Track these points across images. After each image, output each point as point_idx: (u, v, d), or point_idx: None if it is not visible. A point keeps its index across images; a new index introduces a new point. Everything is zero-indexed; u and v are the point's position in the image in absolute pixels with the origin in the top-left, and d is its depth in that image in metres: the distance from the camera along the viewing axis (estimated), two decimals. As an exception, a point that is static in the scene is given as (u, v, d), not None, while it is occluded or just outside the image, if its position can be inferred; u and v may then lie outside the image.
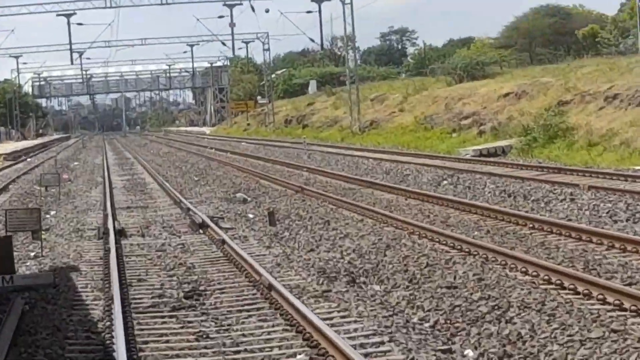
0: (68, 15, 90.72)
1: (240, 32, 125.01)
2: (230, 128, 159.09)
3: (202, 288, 20.60)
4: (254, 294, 19.60)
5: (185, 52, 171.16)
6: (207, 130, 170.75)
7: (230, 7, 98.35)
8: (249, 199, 40.16)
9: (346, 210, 32.96)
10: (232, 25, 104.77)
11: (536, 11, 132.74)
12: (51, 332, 17.14)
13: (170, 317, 18.15)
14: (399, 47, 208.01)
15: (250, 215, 34.12)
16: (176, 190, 45.49)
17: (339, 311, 17.61)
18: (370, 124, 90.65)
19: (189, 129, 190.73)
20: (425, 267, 20.93)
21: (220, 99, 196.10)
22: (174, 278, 22.13)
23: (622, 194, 31.33)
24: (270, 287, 19.12)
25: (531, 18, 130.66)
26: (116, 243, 26.93)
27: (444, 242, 24.20)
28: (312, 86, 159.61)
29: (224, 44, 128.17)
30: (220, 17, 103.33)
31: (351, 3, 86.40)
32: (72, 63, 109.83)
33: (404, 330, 15.92)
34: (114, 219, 33.72)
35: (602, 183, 34.55)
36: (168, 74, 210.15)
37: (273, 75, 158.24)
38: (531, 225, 26.08)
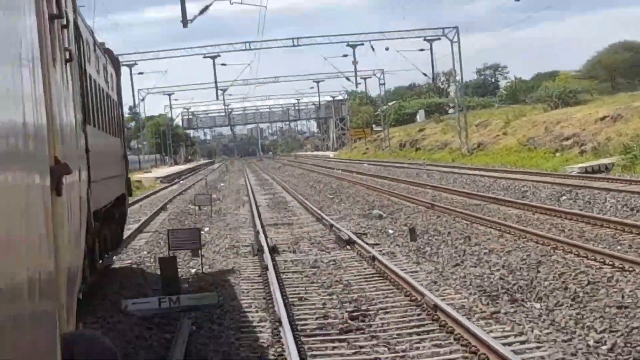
0: (214, 57, 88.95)
1: (360, 69, 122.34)
2: (351, 152, 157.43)
3: (364, 307, 17.63)
4: (419, 315, 16.50)
5: (312, 87, 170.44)
6: (330, 154, 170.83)
7: (353, 47, 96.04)
8: (384, 215, 37.24)
9: (481, 225, 29.76)
10: (354, 62, 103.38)
11: (615, 47, 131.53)
12: (222, 358, 14.48)
13: (340, 340, 15.20)
14: (492, 80, 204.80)
15: (390, 231, 31.16)
16: (316, 208, 42.78)
17: (515, 335, 14.49)
18: (477, 146, 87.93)
19: (315, 153, 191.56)
20: (587, 285, 17.68)
21: (340, 128, 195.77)
22: (334, 297, 19.21)
23: None
24: (436, 307, 16.08)
25: (611, 53, 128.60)
26: (272, 260, 24.13)
27: (593, 258, 20.79)
28: (421, 115, 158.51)
29: (348, 79, 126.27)
30: (345, 55, 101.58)
31: (459, 42, 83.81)
32: (217, 98, 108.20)
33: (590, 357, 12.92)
34: (265, 236, 30.97)
35: None
36: (296, 107, 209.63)
37: (385, 107, 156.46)
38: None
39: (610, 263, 19.78)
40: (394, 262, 22.68)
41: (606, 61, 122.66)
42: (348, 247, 27.19)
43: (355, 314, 16.81)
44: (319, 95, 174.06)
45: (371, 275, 21.57)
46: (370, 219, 36.64)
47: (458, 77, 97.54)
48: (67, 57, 9.12)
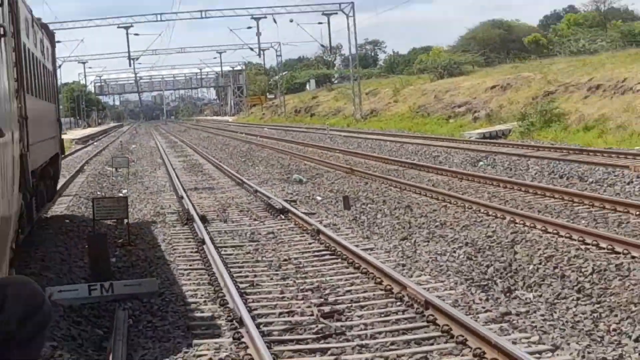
0: (127, 27, 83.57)
1: (263, 41, 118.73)
2: (248, 117, 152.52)
3: (331, 299, 13.18)
4: (407, 313, 12.00)
5: (214, 57, 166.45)
6: (229, 119, 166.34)
7: (257, 19, 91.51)
8: (304, 179, 32.84)
9: (414, 193, 25.42)
10: (258, 34, 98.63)
11: (485, 24, 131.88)
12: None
13: (321, 351, 10.76)
14: (372, 54, 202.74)
15: (319, 198, 26.80)
16: (233, 171, 38.23)
17: (551, 350, 10.07)
18: (370, 113, 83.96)
19: (214, 117, 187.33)
20: (591, 274, 13.40)
21: (238, 95, 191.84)
22: (289, 282, 14.74)
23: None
24: (428, 304, 11.70)
25: (482, 29, 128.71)
26: (207, 233, 19.64)
27: (570, 236, 16.44)
28: (311, 84, 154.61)
29: (252, 49, 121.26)
30: (249, 27, 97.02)
31: (354, 16, 79.90)
32: (130, 66, 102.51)
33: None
34: (190, 201, 26.39)
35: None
36: (198, 76, 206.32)
37: (278, 76, 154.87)
38: (635, 212, 18.72)
39: (595, 243, 15.54)
40: (341, 236, 18.32)
41: (480, 37, 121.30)
42: (282, 216, 22.78)
43: (326, 310, 12.36)
44: (221, 65, 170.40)
45: (322, 253, 17.08)
46: (291, 183, 32.29)
47: (353, 50, 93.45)
48: (2, 32, 8.80)
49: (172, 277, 15.59)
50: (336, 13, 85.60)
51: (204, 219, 22.57)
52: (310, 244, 18.38)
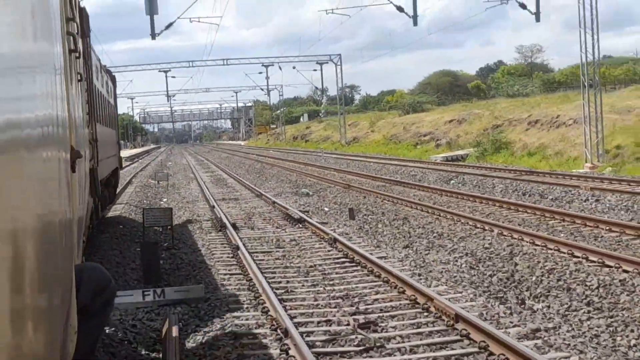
0: (166, 71, 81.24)
1: (271, 83, 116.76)
2: (257, 142, 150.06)
3: (362, 307, 10.91)
4: (437, 325, 9.71)
5: (232, 96, 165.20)
6: (242, 143, 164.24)
7: (266, 66, 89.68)
8: (310, 193, 30.60)
9: (406, 206, 23.17)
10: (267, 78, 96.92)
11: (437, 73, 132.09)
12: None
13: (366, 365, 8.60)
14: (350, 95, 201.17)
15: (326, 209, 24.50)
16: (251, 184, 35.99)
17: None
18: (353, 140, 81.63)
19: (230, 142, 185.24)
20: (597, 288, 11.17)
21: (248, 125, 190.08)
22: (319, 288, 12.47)
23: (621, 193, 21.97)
24: (458, 317, 9.49)
25: (435, 77, 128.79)
26: (240, 240, 17.35)
27: (558, 249, 14.19)
28: (304, 117, 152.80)
29: (262, 89, 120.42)
30: (260, 72, 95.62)
31: (341, 65, 77.90)
32: (167, 101, 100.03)
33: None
34: (220, 210, 24.19)
35: (599, 185, 24.75)
36: (218, 110, 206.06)
37: (279, 111, 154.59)
38: (605, 228, 16.54)
39: (585, 256, 13.34)
40: (355, 244, 16.09)
41: (434, 82, 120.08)
42: (300, 225, 20.47)
43: (361, 320, 10.12)
44: (237, 102, 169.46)
45: (342, 261, 14.80)
46: (300, 196, 30.07)
47: (339, 91, 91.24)
48: (79, 77, 8.63)
49: (215, 282, 13.36)
50: (327, 62, 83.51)
51: (234, 227, 20.34)
52: (329, 251, 16.11)
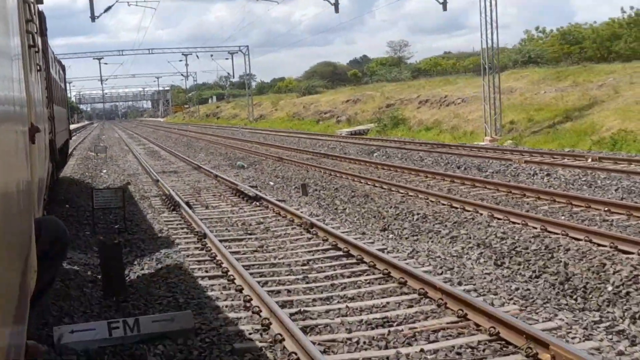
0: (99, 59, 73.39)
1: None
2: (174, 119, 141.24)
3: (415, 345, 6.01)
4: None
5: (154, 81, 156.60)
6: (161, 119, 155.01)
7: (185, 55, 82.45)
8: (245, 165, 25.38)
9: (353, 181, 18.14)
10: (186, 64, 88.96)
11: (321, 64, 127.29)
12: None
13: None
14: (248, 81, 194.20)
15: (271, 183, 19.46)
16: (185, 157, 30.44)
17: None
18: (259, 117, 75.81)
19: (150, 119, 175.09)
20: (625, 281, 6.66)
21: (165, 105, 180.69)
22: (339, 305, 7.44)
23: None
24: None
25: (320, 66, 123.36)
26: (205, 226, 12.10)
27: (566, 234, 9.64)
28: (213, 99, 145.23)
29: (183, 75, 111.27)
30: (180, 60, 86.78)
31: (249, 55, 71.69)
32: (102, 83, 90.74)
33: None
34: (164, 185, 18.80)
35: (533, 158, 20.40)
36: (141, 93, 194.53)
37: (192, 93, 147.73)
38: (604, 209, 12.07)
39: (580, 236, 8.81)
40: (339, 231, 11.14)
41: (319, 71, 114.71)
42: (257, 203, 15.33)
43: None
44: (158, 86, 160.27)
45: (336, 255, 9.84)
46: (238, 168, 24.84)
47: (247, 76, 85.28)
48: (38, 68, 8.36)
49: (194, 294, 8.19)
50: (237, 52, 77.28)
51: (188, 205, 15.06)
52: (310, 239, 11.13)
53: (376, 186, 16.61)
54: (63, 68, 25.50)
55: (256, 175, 21.87)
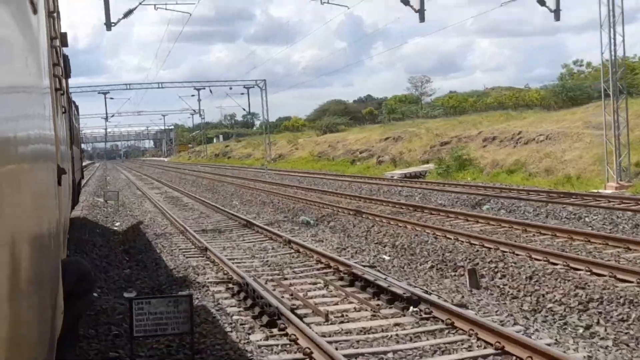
0: (105, 93, 67.03)
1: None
2: (178, 158, 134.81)
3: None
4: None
5: (160, 118, 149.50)
6: (165, 159, 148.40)
7: (198, 89, 75.53)
8: (312, 221, 18.70)
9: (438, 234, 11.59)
10: (199, 99, 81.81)
11: (331, 102, 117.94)
12: None
13: None
14: (252, 120, 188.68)
15: (386, 257, 12.73)
16: (219, 206, 23.80)
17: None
18: (279, 156, 69.12)
19: (153, 158, 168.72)
20: None
21: (169, 144, 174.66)
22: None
23: None
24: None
25: (330, 105, 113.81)
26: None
27: None
28: (220, 138, 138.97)
29: (195, 111, 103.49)
30: (193, 95, 79.85)
31: (265, 89, 65.09)
32: (106, 121, 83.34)
33: None
34: (224, 260, 12.11)
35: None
36: (144, 132, 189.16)
37: (198, 132, 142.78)
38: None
39: None
40: None
41: (331, 109, 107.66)
42: (412, 309, 8.61)
43: None
44: (164, 124, 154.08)
45: None
46: (302, 225, 18.21)
47: (266, 114, 78.77)
48: (63, 110, 8.00)
49: None
50: (253, 87, 70.87)
51: (295, 314, 8.37)
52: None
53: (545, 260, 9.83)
54: (77, 108, 23.97)
55: (340, 239, 15.17)
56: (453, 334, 7.50)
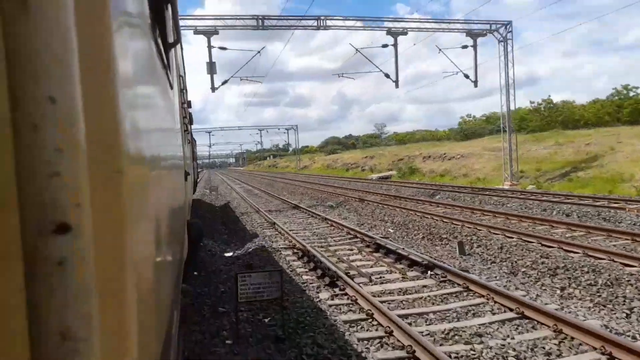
0: (209, 132, 64.36)
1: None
2: (248, 168, 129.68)
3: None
4: None
5: (257, 134, 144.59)
6: (242, 168, 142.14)
7: (260, 130, 72.87)
8: (334, 205, 16.48)
9: (468, 226, 9.51)
10: (260, 136, 79.18)
11: (330, 138, 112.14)
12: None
13: None
14: (287, 148, 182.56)
15: (391, 230, 10.57)
16: (277, 195, 21.65)
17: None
18: (304, 167, 66.64)
19: (234, 168, 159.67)
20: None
21: (243, 161, 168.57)
22: None
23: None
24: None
25: (331, 139, 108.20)
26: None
27: None
28: (270, 157, 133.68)
29: (258, 142, 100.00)
30: (257, 133, 77.01)
31: (297, 132, 62.83)
32: (209, 147, 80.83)
33: None
34: (310, 253, 9.79)
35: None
36: (231, 154, 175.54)
37: (257, 153, 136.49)
38: None
39: None
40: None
41: (331, 142, 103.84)
42: (429, 273, 6.55)
43: None
44: (240, 149, 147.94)
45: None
46: (328, 207, 16.02)
47: (297, 145, 76.22)
48: (189, 141, 7.42)
49: None
50: (291, 129, 68.55)
51: (349, 276, 6.25)
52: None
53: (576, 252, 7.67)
54: (195, 141, 20.58)
55: (357, 217, 13.03)
56: (472, 297, 5.38)
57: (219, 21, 17.34)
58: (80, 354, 0.42)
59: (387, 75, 19.09)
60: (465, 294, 5.46)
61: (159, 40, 1.58)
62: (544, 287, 5.52)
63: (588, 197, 13.52)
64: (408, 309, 5.04)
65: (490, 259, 7.17)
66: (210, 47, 16.78)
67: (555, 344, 3.60)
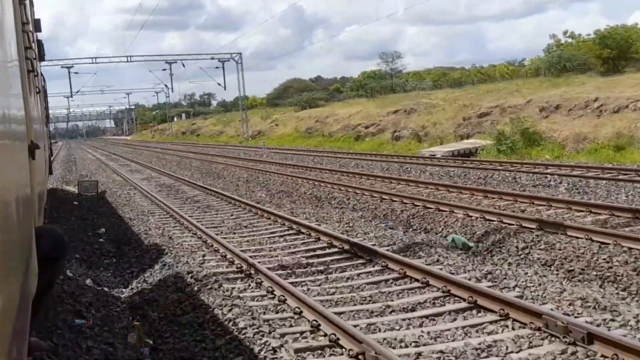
0: (69, 67, 58.25)
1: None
2: (141, 137, 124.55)
3: None
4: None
5: (124, 97, 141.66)
6: (128, 137, 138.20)
7: (170, 63, 66.52)
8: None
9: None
10: (171, 74, 71.97)
11: (294, 80, 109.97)
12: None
13: None
14: (208, 100, 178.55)
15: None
16: (248, 200, 16.60)
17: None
18: (258, 133, 61.35)
19: (114, 137, 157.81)
20: None
21: (130, 123, 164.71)
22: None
23: None
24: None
25: (294, 82, 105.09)
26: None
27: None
28: (181, 117, 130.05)
29: (166, 85, 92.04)
30: (164, 69, 70.09)
31: (242, 64, 57.47)
32: (69, 98, 73.80)
33: None
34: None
35: None
36: (108, 111, 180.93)
37: (155, 112, 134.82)
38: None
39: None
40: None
41: (295, 87, 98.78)
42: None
43: None
44: (128, 102, 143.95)
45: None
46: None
47: (242, 87, 70.71)
48: (38, 90, 8.60)
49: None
50: (228, 60, 62.86)
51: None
52: None
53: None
54: (44, 81, 18.94)
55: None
56: None
57: None
58: None
59: None
60: None
61: None
62: None
63: None
64: None
65: None
66: None
67: None
